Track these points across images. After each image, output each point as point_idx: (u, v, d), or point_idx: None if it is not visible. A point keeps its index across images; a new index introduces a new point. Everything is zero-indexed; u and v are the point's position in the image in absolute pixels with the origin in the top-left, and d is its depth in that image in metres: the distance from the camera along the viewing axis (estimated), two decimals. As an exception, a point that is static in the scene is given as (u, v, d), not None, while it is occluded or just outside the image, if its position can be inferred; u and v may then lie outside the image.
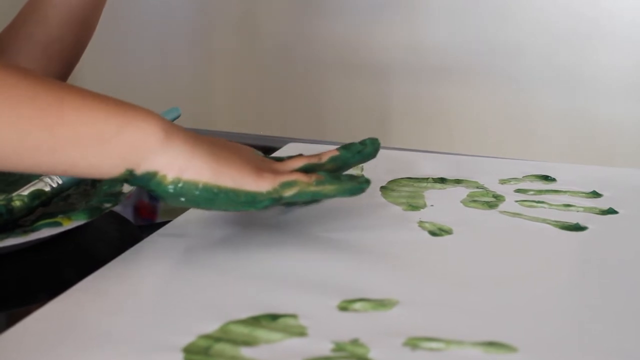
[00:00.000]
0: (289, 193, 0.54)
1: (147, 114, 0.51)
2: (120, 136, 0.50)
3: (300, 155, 0.60)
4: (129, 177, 0.51)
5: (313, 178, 0.55)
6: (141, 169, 0.51)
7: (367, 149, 0.61)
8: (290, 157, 0.60)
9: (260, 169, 0.54)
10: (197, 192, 0.52)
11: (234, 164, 0.53)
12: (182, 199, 0.52)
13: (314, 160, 0.59)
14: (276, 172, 0.55)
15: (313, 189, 0.55)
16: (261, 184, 0.53)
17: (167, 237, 0.59)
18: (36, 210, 0.62)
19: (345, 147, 0.61)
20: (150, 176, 0.51)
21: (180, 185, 0.51)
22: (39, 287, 0.57)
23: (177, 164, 0.51)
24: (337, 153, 0.60)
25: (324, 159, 0.59)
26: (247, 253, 0.57)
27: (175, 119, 0.72)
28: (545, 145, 1.20)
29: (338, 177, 0.56)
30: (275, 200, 0.54)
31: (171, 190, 0.51)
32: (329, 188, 0.56)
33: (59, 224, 0.58)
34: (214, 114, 1.37)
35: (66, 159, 0.50)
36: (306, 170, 0.57)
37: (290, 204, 0.58)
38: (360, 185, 0.57)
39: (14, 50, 0.76)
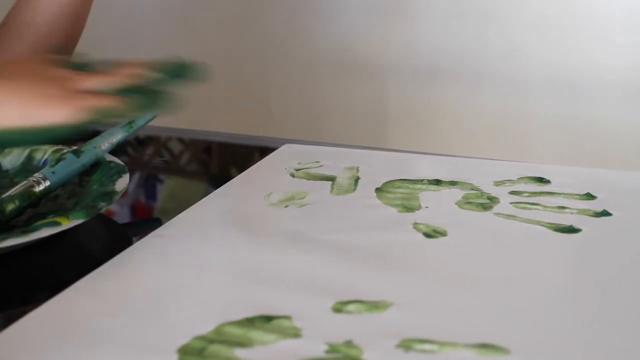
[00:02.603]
0: (88, 118, 0.50)
1: None
2: None
3: (100, 64, 0.54)
4: None
5: (125, 102, 0.51)
6: None
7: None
8: (92, 70, 0.54)
9: (54, 96, 0.50)
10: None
11: (17, 96, 0.50)
12: None
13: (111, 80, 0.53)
14: (73, 95, 0.51)
15: (119, 110, 0.51)
16: (53, 114, 0.49)
17: (162, 238, 0.60)
18: (26, 211, 0.62)
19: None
20: None
21: None
22: (33, 288, 0.57)
23: None
24: (139, 71, 0.53)
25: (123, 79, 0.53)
26: (241, 254, 0.57)
27: (151, 119, 0.72)
28: (540, 148, 1.21)
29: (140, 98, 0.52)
30: (75, 128, 0.50)
31: None
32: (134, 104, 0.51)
33: (58, 224, 0.58)
34: (210, 115, 1.37)
35: None
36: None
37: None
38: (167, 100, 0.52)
39: (3, 50, 0.77)
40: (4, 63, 0.54)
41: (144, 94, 0.52)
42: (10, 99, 0.49)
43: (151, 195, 0.75)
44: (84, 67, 0.54)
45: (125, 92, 0.52)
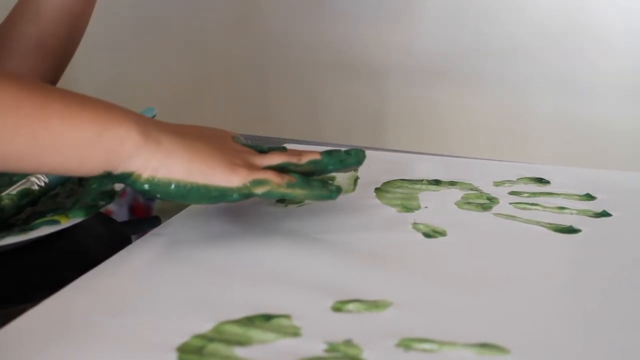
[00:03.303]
0: (259, 191, 0.56)
1: (124, 118, 0.54)
2: (99, 143, 0.52)
3: (282, 149, 0.61)
4: (107, 176, 0.54)
5: (285, 179, 0.56)
6: (118, 170, 0.54)
7: (350, 160, 0.62)
8: (271, 149, 0.60)
9: (233, 164, 0.56)
10: (170, 189, 0.54)
11: (207, 159, 0.55)
12: (158, 195, 0.54)
13: (293, 160, 0.59)
14: (250, 167, 0.56)
15: (283, 190, 0.56)
16: (232, 179, 0.55)
17: (161, 236, 0.60)
18: (25, 210, 0.62)
19: (329, 153, 0.61)
20: (127, 175, 0.54)
21: (154, 183, 0.54)
22: (32, 286, 0.57)
23: (151, 165, 0.54)
24: (318, 157, 0.60)
25: (304, 160, 0.60)
26: (241, 253, 0.57)
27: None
28: (539, 148, 1.21)
29: (310, 182, 0.58)
30: (245, 196, 0.56)
31: (146, 188, 0.54)
32: (298, 192, 0.57)
33: (57, 222, 0.58)
34: (210, 115, 1.37)
35: (48, 164, 0.53)
36: (282, 168, 0.58)
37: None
38: (330, 193, 0.59)
39: (7, 47, 0.77)
40: (203, 128, 0.60)
41: (312, 181, 0.58)
42: (202, 158, 0.55)
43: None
44: (259, 148, 0.60)
45: (297, 175, 0.58)
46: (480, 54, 1.22)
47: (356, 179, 0.72)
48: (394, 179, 0.72)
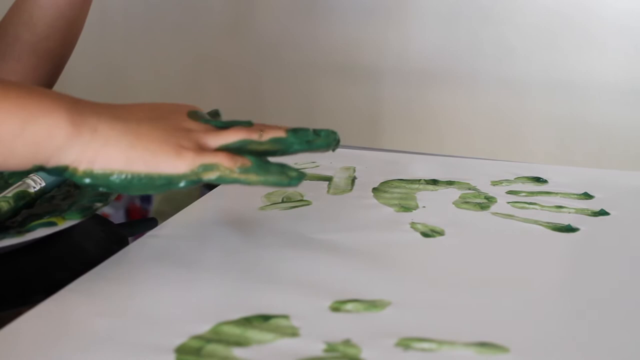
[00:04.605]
0: (208, 177, 0.51)
1: (53, 105, 0.49)
2: (23, 135, 0.48)
3: (242, 125, 0.55)
4: (40, 169, 0.50)
5: (238, 164, 0.51)
6: (50, 164, 0.50)
7: (319, 141, 0.55)
8: (231, 126, 0.55)
9: (180, 147, 0.51)
10: (111, 180, 0.50)
11: (150, 144, 0.50)
12: (101, 188, 0.50)
13: (253, 137, 0.53)
14: (200, 150, 0.51)
15: (235, 176, 0.51)
16: (178, 165, 0.50)
17: (158, 238, 0.59)
18: (21, 212, 0.62)
19: (295, 131, 0.55)
20: (61, 170, 0.50)
21: (93, 176, 0.50)
22: (29, 289, 0.56)
23: (86, 156, 0.49)
24: (282, 134, 0.54)
25: (265, 137, 0.54)
26: (238, 254, 0.57)
27: None
28: (535, 149, 1.21)
29: (267, 167, 0.52)
30: (193, 182, 0.51)
31: (87, 181, 0.50)
32: (253, 178, 0.51)
33: (54, 224, 0.58)
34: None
35: None
36: (240, 147, 0.53)
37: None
38: (290, 180, 0.52)
39: (1, 51, 0.76)
40: (155, 106, 0.55)
41: (269, 165, 0.52)
42: (144, 143, 0.50)
43: (146, 197, 0.75)
44: (219, 124, 0.55)
45: (249, 154, 0.52)
46: (476, 54, 1.22)
47: (354, 179, 0.72)
48: (392, 179, 0.72)
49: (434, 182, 0.71)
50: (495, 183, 0.71)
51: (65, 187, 0.67)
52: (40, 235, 0.57)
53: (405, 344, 0.44)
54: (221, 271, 0.54)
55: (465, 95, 1.24)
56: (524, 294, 0.51)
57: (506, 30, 1.19)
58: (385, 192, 0.69)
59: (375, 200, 0.67)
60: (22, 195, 0.62)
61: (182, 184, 0.50)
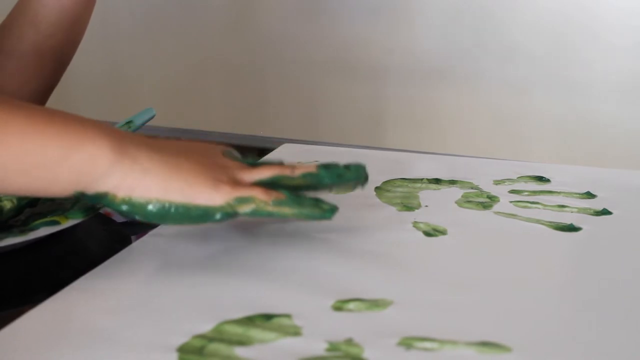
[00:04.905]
0: (243, 210, 0.52)
1: (95, 134, 0.50)
2: (67, 162, 0.49)
3: (275, 163, 0.57)
4: (80, 196, 0.51)
5: (272, 197, 0.53)
6: (91, 190, 0.50)
7: (349, 175, 0.57)
8: (264, 164, 0.57)
9: (217, 180, 0.52)
10: (148, 209, 0.51)
11: (187, 176, 0.52)
12: (137, 216, 0.51)
13: (285, 172, 0.55)
14: (236, 184, 0.53)
15: (270, 209, 0.52)
16: (215, 198, 0.51)
17: (161, 237, 0.59)
18: (24, 211, 0.62)
19: (326, 167, 0.56)
20: (101, 196, 0.50)
21: (131, 203, 0.51)
22: (32, 287, 0.57)
23: (126, 184, 0.50)
24: (314, 170, 0.56)
25: (297, 173, 0.56)
26: (240, 253, 0.57)
27: (148, 120, 0.72)
28: (538, 148, 1.21)
29: (300, 200, 0.54)
30: (229, 215, 0.52)
31: (124, 209, 0.51)
32: (287, 211, 0.53)
33: (56, 223, 0.58)
34: (209, 115, 1.37)
35: (14, 185, 0.49)
36: (274, 182, 0.55)
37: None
38: (323, 213, 0.54)
39: (5, 51, 0.76)
40: (189, 143, 0.56)
41: (303, 199, 0.54)
42: (182, 175, 0.51)
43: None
44: (252, 162, 0.57)
45: (284, 190, 0.54)
46: (479, 53, 1.21)
47: (356, 178, 0.72)
48: (394, 178, 0.72)
49: (437, 181, 0.71)
50: (497, 182, 0.71)
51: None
52: (43, 234, 0.57)
53: (407, 343, 0.44)
54: (223, 270, 0.54)
55: (469, 95, 1.23)
56: (526, 294, 0.51)
57: (510, 29, 1.19)
58: (387, 191, 0.69)
59: (377, 200, 0.67)
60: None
61: (217, 216, 0.52)
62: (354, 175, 0.58)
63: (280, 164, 0.57)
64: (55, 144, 0.49)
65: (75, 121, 0.50)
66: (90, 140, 0.50)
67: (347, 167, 0.57)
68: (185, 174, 0.52)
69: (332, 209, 0.55)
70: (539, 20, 1.18)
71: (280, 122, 1.34)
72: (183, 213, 0.51)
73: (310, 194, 0.56)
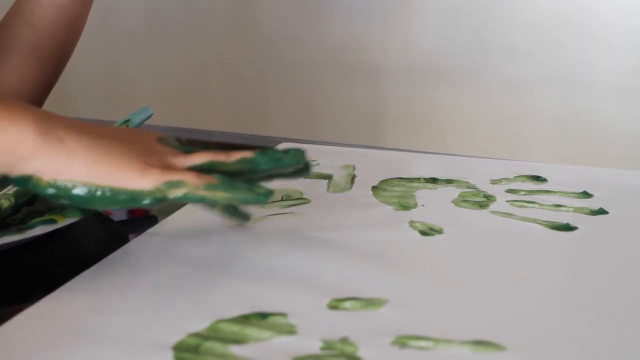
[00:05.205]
0: (174, 194, 0.51)
1: (21, 115, 0.49)
2: None
3: (208, 149, 0.56)
4: (4, 179, 0.50)
5: (204, 181, 0.52)
6: (15, 173, 0.50)
7: (287, 159, 0.56)
8: (199, 150, 0.56)
9: (146, 164, 0.51)
10: (73, 193, 0.50)
11: (116, 159, 0.51)
12: (63, 200, 0.50)
13: (219, 158, 0.54)
14: (166, 168, 0.52)
15: (202, 192, 0.51)
16: (143, 182, 0.51)
17: (158, 236, 0.60)
18: (22, 209, 0.62)
19: (262, 151, 0.55)
20: (25, 179, 0.50)
21: (57, 186, 0.50)
22: (29, 286, 0.57)
23: (52, 167, 0.49)
24: (250, 155, 0.55)
25: (232, 158, 0.55)
26: (236, 252, 0.57)
27: (146, 119, 0.72)
28: (538, 147, 1.21)
29: (234, 184, 0.52)
30: (158, 200, 0.51)
31: (50, 192, 0.50)
32: (220, 194, 0.52)
33: (53, 222, 0.58)
34: (209, 114, 1.37)
35: None
36: (208, 168, 0.53)
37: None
38: (257, 197, 0.53)
39: (2, 50, 0.76)
40: (123, 129, 0.56)
41: (236, 182, 0.53)
42: (110, 158, 0.51)
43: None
44: (187, 149, 0.56)
45: (216, 173, 0.53)
46: (478, 54, 1.21)
47: (353, 178, 0.72)
48: (391, 177, 0.72)
49: (433, 180, 0.72)
50: (494, 181, 0.71)
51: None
52: (40, 233, 0.57)
53: (402, 342, 0.44)
54: (220, 269, 0.54)
55: (469, 94, 1.23)
56: (521, 293, 0.51)
57: (509, 29, 1.19)
58: (384, 190, 0.69)
59: (374, 199, 0.68)
60: (23, 193, 0.62)
61: (146, 201, 0.51)
62: (292, 161, 0.56)
63: (217, 151, 0.56)
64: None
65: (1, 103, 0.50)
66: (13, 121, 0.49)
67: (286, 152, 0.56)
68: (113, 157, 0.51)
69: (267, 193, 0.53)
70: (539, 20, 1.18)
71: (280, 122, 1.35)
72: (110, 197, 0.50)
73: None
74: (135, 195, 0.51)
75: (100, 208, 0.51)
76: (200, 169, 0.53)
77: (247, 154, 0.55)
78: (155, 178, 0.51)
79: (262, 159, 0.55)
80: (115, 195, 0.50)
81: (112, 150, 0.51)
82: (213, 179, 0.52)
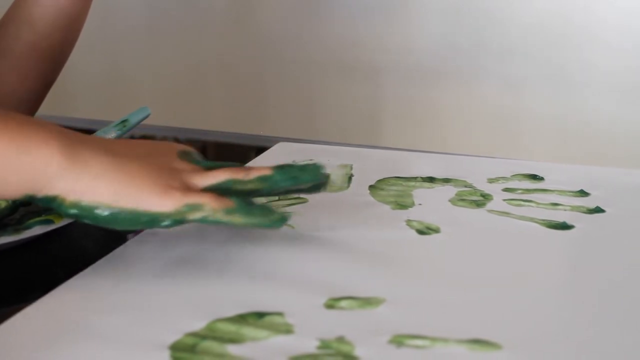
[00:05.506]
0: (193, 217, 0.52)
1: (47, 137, 0.50)
2: (18, 164, 0.49)
3: (229, 167, 0.56)
4: (30, 199, 0.51)
5: (223, 204, 0.52)
6: (41, 194, 0.50)
7: (305, 176, 0.56)
8: (220, 166, 0.56)
9: (168, 186, 0.52)
10: (96, 214, 0.50)
11: (138, 181, 0.51)
12: (86, 220, 0.51)
13: (238, 176, 0.55)
14: (187, 190, 0.52)
15: (219, 216, 0.52)
16: (164, 204, 0.51)
17: (155, 235, 0.60)
18: (19, 209, 0.63)
19: (280, 168, 0.56)
20: (50, 199, 0.50)
21: (80, 207, 0.50)
22: (26, 286, 0.57)
23: (77, 188, 0.50)
24: (268, 172, 0.55)
25: (251, 176, 0.55)
26: (234, 251, 0.57)
27: (144, 119, 0.72)
28: (536, 147, 1.21)
29: (250, 209, 0.53)
30: (177, 222, 0.52)
31: (73, 212, 0.51)
32: (237, 219, 0.52)
33: (51, 222, 0.58)
34: (209, 114, 1.38)
35: None
36: (227, 188, 0.54)
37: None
38: (272, 222, 0.53)
39: (1, 49, 0.77)
40: (146, 144, 0.56)
41: (253, 207, 0.53)
42: (133, 180, 0.51)
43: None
44: (208, 164, 0.56)
45: (235, 194, 0.53)
46: (477, 53, 1.22)
47: (350, 177, 0.73)
48: (388, 176, 0.72)
49: (431, 179, 0.72)
50: (491, 180, 0.71)
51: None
52: (37, 233, 0.57)
53: (398, 340, 0.45)
54: (216, 268, 0.54)
55: (468, 94, 1.24)
56: (517, 291, 0.51)
57: (508, 29, 1.19)
58: (381, 189, 0.69)
59: (371, 198, 0.68)
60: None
61: (166, 223, 0.51)
62: (310, 178, 0.56)
63: (236, 166, 0.56)
64: (6, 147, 0.49)
65: (24, 124, 0.50)
66: (40, 144, 0.50)
67: (303, 168, 0.56)
68: (137, 179, 0.51)
69: (282, 219, 0.54)
70: (538, 20, 1.18)
71: (280, 121, 1.35)
72: (132, 219, 0.51)
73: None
74: (155, 217, 0.51)
75: (121, 228, 0.51)
76: (218, 188, 0.54)
77: (265, 171, 0.55)
78: (176, 201, 0.51)
79: (280, 176, 0.55)
80: (136, 217, 0.51)
81: (135, 172, 0.51)
82: (231, 202, 0.52)
